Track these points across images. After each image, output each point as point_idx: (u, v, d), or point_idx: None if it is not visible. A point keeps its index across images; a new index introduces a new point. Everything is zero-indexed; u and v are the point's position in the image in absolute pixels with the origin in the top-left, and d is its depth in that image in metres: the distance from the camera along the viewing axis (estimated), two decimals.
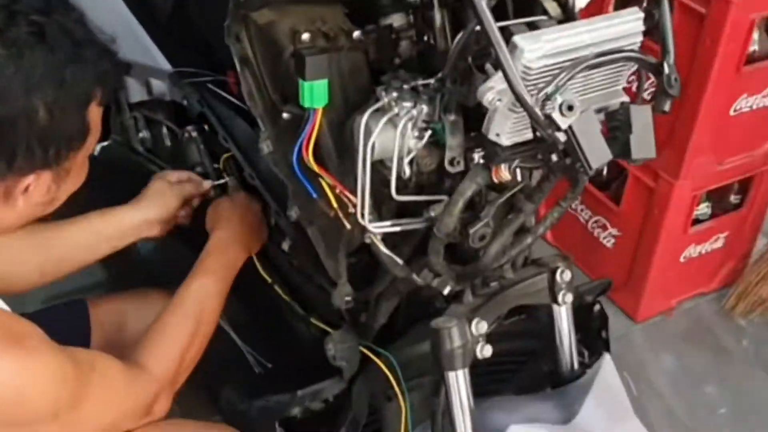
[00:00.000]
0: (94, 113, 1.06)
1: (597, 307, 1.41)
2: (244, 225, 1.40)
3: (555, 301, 1.24)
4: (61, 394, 1.03)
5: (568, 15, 0.97)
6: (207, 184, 1.49)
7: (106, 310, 1.45)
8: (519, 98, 0.86)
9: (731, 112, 1.83)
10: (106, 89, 1.06)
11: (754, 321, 2.17)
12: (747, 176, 2.02)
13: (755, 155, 1.97)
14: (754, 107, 1.86)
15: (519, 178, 1.07)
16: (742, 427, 1.95)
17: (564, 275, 1.23)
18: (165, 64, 1.56)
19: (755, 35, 1.77)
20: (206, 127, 1.57)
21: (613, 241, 2.09)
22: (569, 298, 1.24)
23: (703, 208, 2.05)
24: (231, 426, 1.34)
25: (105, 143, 1.73)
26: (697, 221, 2.04)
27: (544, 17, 0.97)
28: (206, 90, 1.52)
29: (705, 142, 1.84)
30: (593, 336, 1.41)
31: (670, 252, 2.01)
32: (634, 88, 1.03)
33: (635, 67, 0.96)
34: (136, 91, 1.64)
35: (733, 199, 2.10)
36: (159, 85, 1.61)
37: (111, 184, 1.74)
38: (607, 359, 1.25)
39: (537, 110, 0.87)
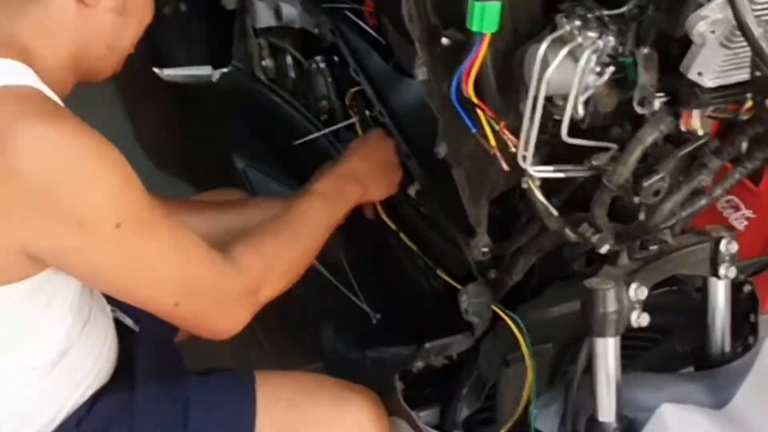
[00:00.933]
0: None
1: (748, 287, 1.29)
2: (374, 164, 1.28)
3: (715, 273, 1.13)
4: (127, 199, 0.93)
5: None
6: None
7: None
8: (744, 27, 0.75)
9: None
10: None
11: None
12: None
13: None
14: None
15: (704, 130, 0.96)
16: None
17: (730, 246, 1.12)
18: None
19: None
20: (336, 59, 1.48)
21: (745, 223, 1.94)
22: (732, 272, 1.14)
23: None
24: (333, 374, 1.26)
25: (225, 69, 1.67)
26: None
27: None
28: (341, 19, 1.44)
29: None
30: (740, 319, 1.29)
31: None
32: None
33: None
34: (264, 16, 1.56)
35: None
36: (289, 11, 1.53)
37: (230, 113, 1.69)
38: (767, 344, 1.13)
39: (764, 44, 0.75)
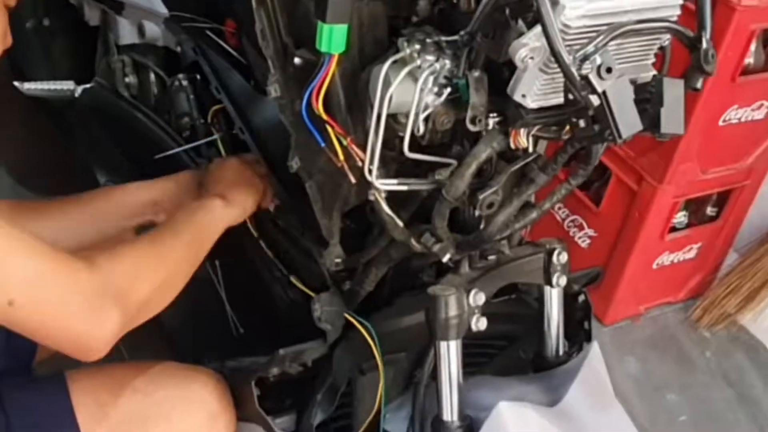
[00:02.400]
0: None
1: (582, 297, 1.40)
2: (249, 192, 1.29)
3: (549, 282, 1.22)
4: None
5: None
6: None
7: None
8: (556, 56, 0.83)
9: (720, 122, 1.84)
10: None
11: (718, 334, 2.20)
12: (727, 189, 2.04)
13: (738, 168, 1.98)
14: (743, 120, 1.87)
15: (532, 147, 1.05)
16: None
17: (560, 257, 1.21)
18: (161, 8, 1.50)
19: (752, 47, 1.78)
20: (197, 77, 1.52)
21: (588, 241, 2.08)
22: (563, 280, 1.23)
23: (681, 217, 2.06)
24: None
25: (88, 85, 1.67)
26: (673, 229, 2.05)
27: None
28: (203, 38, 1.47)
29: (692, 149, 1.85)
30: (575, 325, 1.39)
31: (644, 257, 2.02)
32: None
33: (667, 41, 0.94)
34: (127, 33, 1.58)
35: (710, 210, 2.12)
36: (152, 29, 1.55)
37: (91, 128, 1.69)
38: (595, 347, 1.24)
39: (574, 70, 0.84)
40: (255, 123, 1.44)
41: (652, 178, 1.88)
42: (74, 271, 0.96)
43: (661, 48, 0.98)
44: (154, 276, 1.08)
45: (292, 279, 1.33)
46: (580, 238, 2.10)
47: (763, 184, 2.08)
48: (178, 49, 1.52)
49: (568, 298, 1.37)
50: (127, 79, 1.62)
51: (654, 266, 2.07)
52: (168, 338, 1.55)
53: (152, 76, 1.60)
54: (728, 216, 2.10)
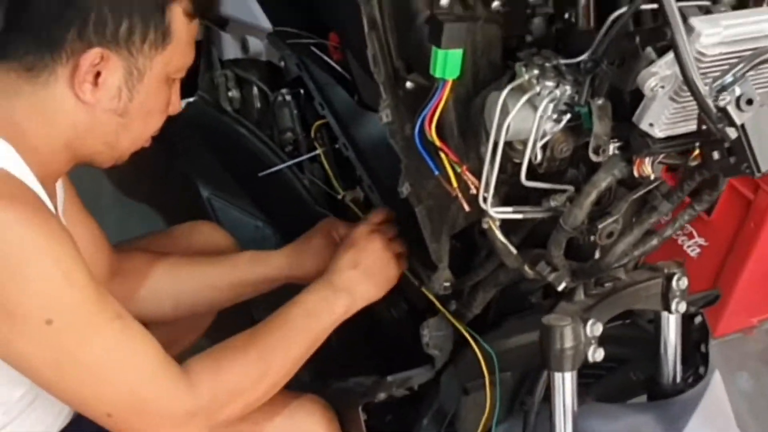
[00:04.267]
0: (179, 20, 1.01)
1: (699, 319, 1.34)
2: (365, 269, 1.17)
3: (667, 308, 1.17)
4: (63, 297, 0.89)
5: (741, 1, 0.88)
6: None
7: None
8: (691, 86, 0.79)
9: None
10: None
11: None
12: None
13: None
14: None
15: (655, 174, 1.00)
16: None
17: (681, 282, 1.16)
18: (265, 23, 1.50)
19: None
20: (301, 91, 1.51)
21: (698, 251, 2.01)
22: (683, 307, 1.18)
23: None
24: None
25: (191, 99, 1.69)
26: None
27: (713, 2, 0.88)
28: (306, 53, 1.46)
29: None
30: (691, 349, 1.34)
31: (760, 268, 1.93)
32: None
33: None
34: (230, 48, 1.58)
35: None
36: (255, 44, 1.55)
37: (195, 142, 1.70)
38: (716, 376, 1.18)
39: (709, 101, 0.79)
40: (358, 138, 1.42)
41: None
42: (175, 393, 0.98)
43: None
44: (254, 391, 1.07)
45: (423, 290, 1.28)
46: (689, 247, 2.02)
47: None
48: (282, 63, 1.51)
49: (684, 319, 1.31)
50: (230, 94, 1.62)
51: None
52: None
53: (255, 91, 1.60)
54: None
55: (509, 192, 1.07)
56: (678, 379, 1.23)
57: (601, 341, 1.18)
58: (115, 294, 0.98)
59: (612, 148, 0.96)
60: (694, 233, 2.00)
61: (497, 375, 1.18)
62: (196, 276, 1.28)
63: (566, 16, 0.99)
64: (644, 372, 1.33)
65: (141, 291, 1.26)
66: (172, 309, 1.28)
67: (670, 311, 1.17)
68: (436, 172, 1.02)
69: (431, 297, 1.21)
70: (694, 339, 1.34)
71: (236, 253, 1.37)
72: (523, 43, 1.02)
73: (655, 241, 1.06)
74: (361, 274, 1.16)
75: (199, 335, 1.48)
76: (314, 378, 1.42)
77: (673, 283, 1.16)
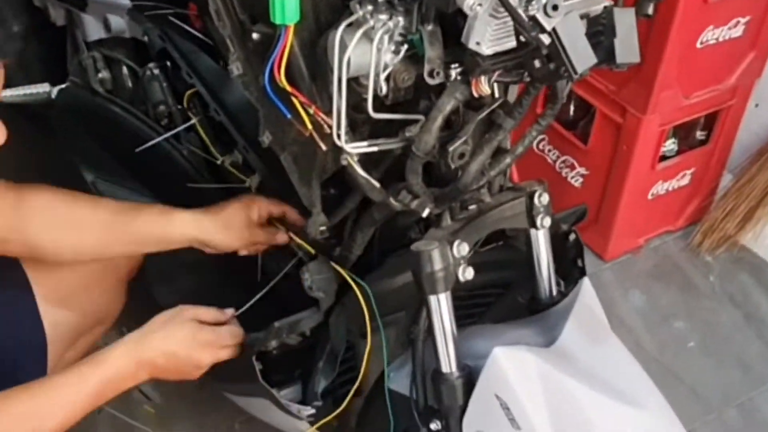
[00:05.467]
0: None
1: (572, 236, 1.40)
2: (182, 374, 1.21)
3: (533, 225, 1.22)
4: None
5: None
6: (281, 238, 1.34)
7: None
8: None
9: (698, 44, 1.83)
10: None
11: (720, 257, 2.20)
12: (713, 111, 2.03)
13: (721, 89, 1.97)
14: (720, 39, 1.86)
15: (497, 94, 1.05)
16: (710, 359, 1.98)
17: (542, 198, 1.22)
18: None
19: None
20: (168, 63, 1.52)
21: (581, 180, 2.09)
22: (547, 221, 1.23)
23: (670, 145, 2.06)
24: None
25: (62, 86, 1.68)
26: (663, 158, 2.05)
27: None
28: (167, 24, 1.47)
29: (672, 75, 1.84)
30: (569, 264, 1.40)
31: (638, 189, 2.02)
32: None
33: None
34: (93, 29, 1.58)
35: (699, 135, 2.12)
36: (117, 22, 1.56)
37: (72, 127, 1.70)
38: (586, 283, 1.24)
39: (521, 11, 0.84)
40: (229, 102, 1.44)
41: (636, 110, 1.88)
42: None
43: None
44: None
45: (292, 236, 1.30)
46: (573, 177, 2.11)
47: (750, 101, 2.08)
48: (145, 38, 1.52)
49: (559, 238, 1.37)
50: (99, 75, 1.62)
51: (649, 197, 2.07)
52: None
53: (124, 69, 1.60)
54: (718, 138, 2.10)
55: (372, 130, 1.11)
56: (554, 293, 1.29)
57: (482, 268, 1.24)
58: (15, 228, 0.97)
59: (454, 73, 1.01)
60: (575, 164, 2.08)
61: (376, 313, 1.21)
62: (100, 218, 1.26)
63: None
64: (528, 292, 1.39)
65: (41, 226, 1.22)
66: (71, 249, 1.25)
67: (536, 227, 1.23)
68: (288, 116, 1.05)
69: (303, 243, 1.24)
70: (571, 256, 1.40)
71: (146, 204, 1.36)
72: None
73: (508, 159, 1.11)
74: (170, 358, 1.18)
75: (108, 327, 1.48)
76: None
77: (536, 199, 1.21)
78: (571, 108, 2.07)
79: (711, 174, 2.18)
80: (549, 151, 2.13)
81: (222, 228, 1.29)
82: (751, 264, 2.19)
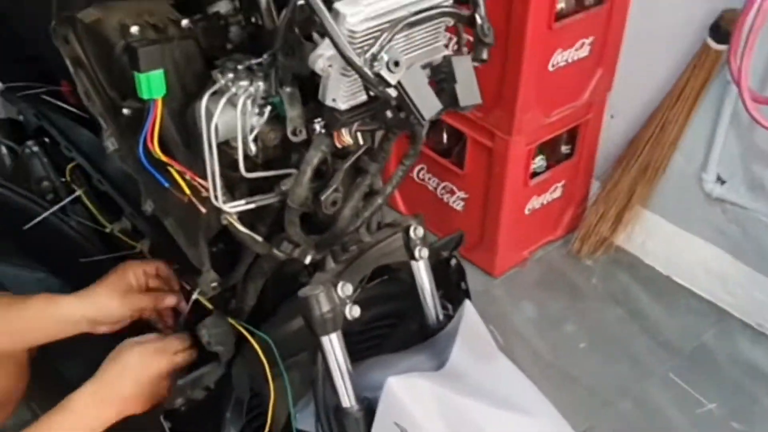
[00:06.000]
0: None
1: (453, 261, 1.49)
2: (136, 378, 1.25)
3: (413, 257, 1.30)
4: None
5: None
6: (169, 301, 1.38)
7: None
8: (348, 61, 0.92)
9: (550, 68, 1.97)
10: None
11: (599, 259, 2.34)
12: (573, 126, 2.17)
13: (577, 105, 2.12)
14: (570, 60, 2.00)
15: (361, 141, 1.13)
16: (601, 356, 2.10)
17: (417, 231, 1.30)
18: None
19: None
20: (46, 140, 1.55)
21: (462, 203, 2.19)
22: (425, 252, 1.31)
23: (539, 161, 2.19)
24: None
25: None
26: (535, 174, 2.18)
27: None
28: (42, 102, 1.50)
29: (531, 98, 1.97)
30: (454, 289, 1.49)
31: (515, 206, 2.14)
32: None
33: (452, 23, 1.04)
34: None
35: (564, 149, 2.26)
36: None
37: None
38: (467, 305, 1.32)
39: (366, 70, 0.92)
40: (111, 171, 1.48)
41: (503, 132, 2.00)
42: None
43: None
44: None
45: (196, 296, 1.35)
46: (454, 202, 2.21)
47: (605, 113, 2.23)
48: (21, 117, 1.54)
49: (442, 264, 1.46)
50: None
51: (526, 212, 2.20)
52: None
53: (3, 149, 1.62)
54: (581, 151, 2.24)
55: (250, 186, 1.17)
56: (441, 317, 1.37)
57: (371, 303, 1.31)
58: None
59: (318, 127, 1.08)
60: (454, 189, 2.18)
61: (278, 359, 1.26)
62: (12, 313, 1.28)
63: (253, 20, 1.11)
64: (419, 320, 1.47)
65: None
66: None
67: (415, 259, 1.31)
68: (165, 185, 1.11)
69: (201, 299, 1.29)
70: (455, 280, 1.49)
71: (30, 296, 1.37)
72: (225, 52, 1.13)
73: (379, 200, 1.19)
74: (134, 380, 1.24)
75: (13, 409, 1.48)
76: None
77: (411, 233, 1.29)
78: (444, 136, 2.18)
79: (580, 184, 2.32)
80: (429, 179, 2.23)
81: (107, 300, 1.33)
82: (627, 263, 2.34)
